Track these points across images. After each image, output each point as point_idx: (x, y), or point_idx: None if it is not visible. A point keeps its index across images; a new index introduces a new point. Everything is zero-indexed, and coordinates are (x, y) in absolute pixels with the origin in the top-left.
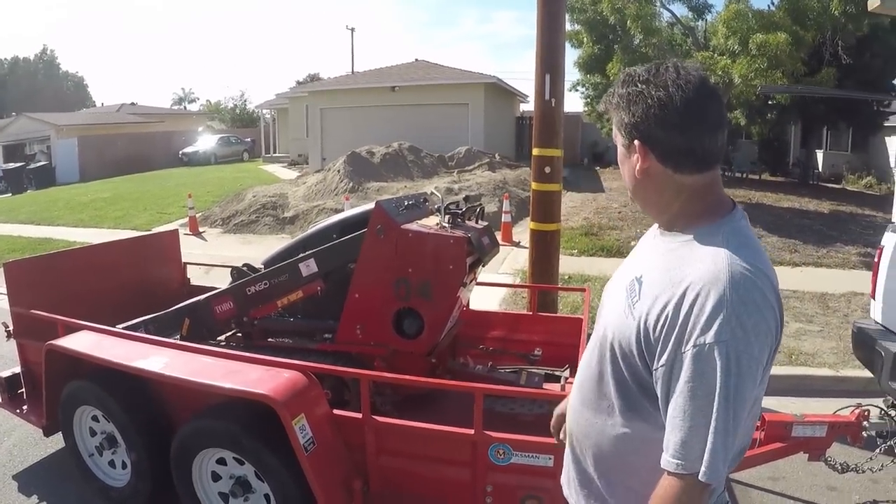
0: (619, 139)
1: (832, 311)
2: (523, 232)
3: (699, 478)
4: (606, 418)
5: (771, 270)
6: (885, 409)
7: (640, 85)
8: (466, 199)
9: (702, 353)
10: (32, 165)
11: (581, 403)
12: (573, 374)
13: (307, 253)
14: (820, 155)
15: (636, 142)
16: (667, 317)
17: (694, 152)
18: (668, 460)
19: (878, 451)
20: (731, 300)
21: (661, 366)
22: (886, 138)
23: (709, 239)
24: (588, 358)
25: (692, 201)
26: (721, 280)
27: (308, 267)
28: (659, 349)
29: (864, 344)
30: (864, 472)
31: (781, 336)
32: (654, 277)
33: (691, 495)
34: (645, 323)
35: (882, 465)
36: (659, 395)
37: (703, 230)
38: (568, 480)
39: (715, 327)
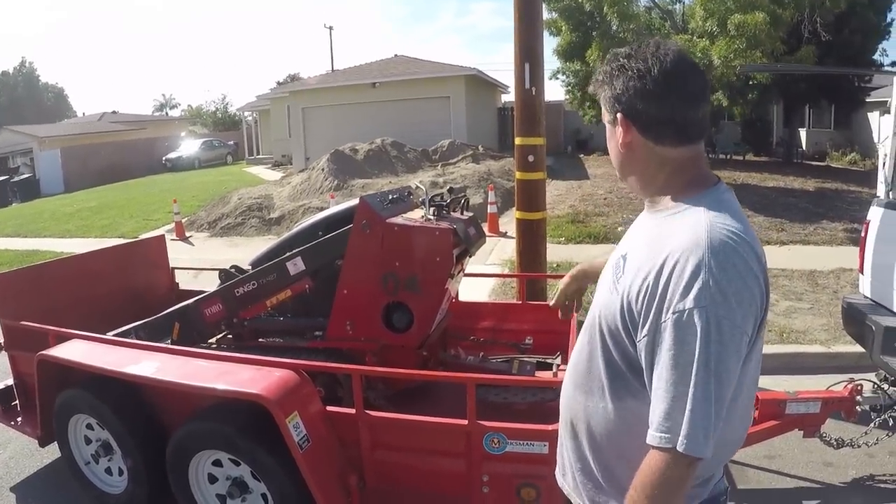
0: (605, 117)
1: (821, 287)
2: (510, 222)
3: (678, 448)
4: (598, 400)
5: (755, 239)
6: (878, 382)
7: (622, 59)
8: (451, 190)
9: (681, 319)
10: (16, 178)
11: (574, 387)
12: (565, 361)
13: (294, 252)
14: (803, 133)
15: (619, 115)
16: (647, 286)
17: (674, 122)
18: (651, 434)
19: (872, 425)
20: (710, 265)
21: (644, 336)
22: (869, 114)
23: (691, 210)
24: (580, 341)
25: (675, 175)
26: (700, 246)
27: (295, 265)
28: (641, 320)
29: (855, 319)
30: (859, 447)
31: (768, 308)
32: (637, 252)
33: (677, 470)
34: (628, 296)
35: (877, 440)
36: (644, 368)
37: (686, 202)
38: (563, 469)
39: (693, 292)
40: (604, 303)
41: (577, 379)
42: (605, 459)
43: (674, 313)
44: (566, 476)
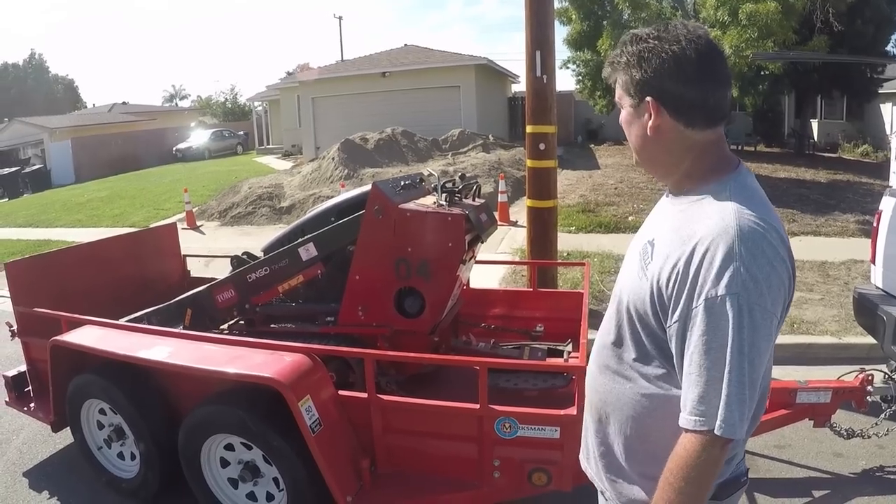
0: (625, 101)
1: (832, 279)
2: (520, 211)
3: (715, 432)
4: (625, 383)
5: (779, 224)
6: (889, 373)
7: (651, 41)
8: (462, 177)
9: (713, 305)
10: (27, 169)
11: (599, 370)
12: (576, 348)
13: (306, 237)
14: (815, 124)
15: (648, 98)
16: (678, 273)
17: (706, 105)
18: (685, 418)
19: (883, 416)
20: (741, 253)
21: (675, 322)
22: (881, 105)
23: (716, 195)
24: (606, 325)
25: (700, 159)
26: (729, 233)
27: (308, 251)
28: (671, 306)
29: (866, 309)
30: (869, 437)
31: (794, 290)
32: (664, 238)
33: (711, 452)
34: (657, 282)
35: (888, 431)
36: (674, 353)
37: (711, 188)
38: (586, 453)
39: (725, 280)
40: (631, 288)
41: (603, 362)
42: (628, 442)
43: (705, 300)
44: (589, 460)
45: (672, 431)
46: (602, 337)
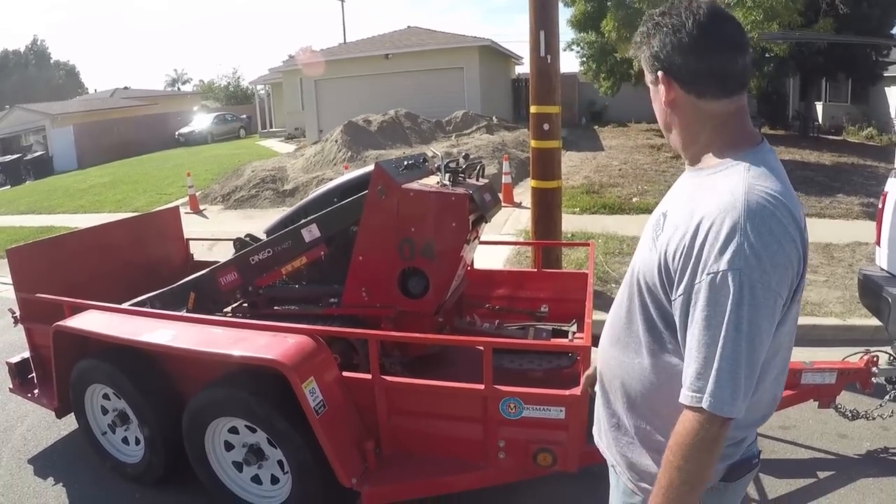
0: (648, 78)
1: (837, 260)
2: (524, 193)
3: (704, 407)
4: (634, 356)
5: (794, 201)
6: (894, 354)
7: (656, 17)
8: (466, 157)
9: (715, 280)
10: (29, 156)
11: (610, 343)
12: (580, 328)
13: (309, 218)
14: (819, 107)
15: (660, 73)
16: (684, 246)
17: (713, 74)
18: (684, 394)
19: (887, 397)
20: (745, 228)
21: (679, 295)
22: (886, 89)
23: (731, 170)
24: (619, 298)
25: (719, 132)
26: (737, 208)
27: (310, 232)
28: (676, 279)
29: (871, 291)
30: (874, 419)
31: (805, 271)
32: (676, 210)
33: (710, 430)
34: (665, 254)
35: (892, 412)
36: (678, 327)
37: (727, 162)
38: (598, 428)
39: (728, 255)
40: (642, 260)
41: (615, 334)
42: (638, 416)
43: (708, 274)
44: (601, 434)
45: (679, 406)
46: (614, 309)
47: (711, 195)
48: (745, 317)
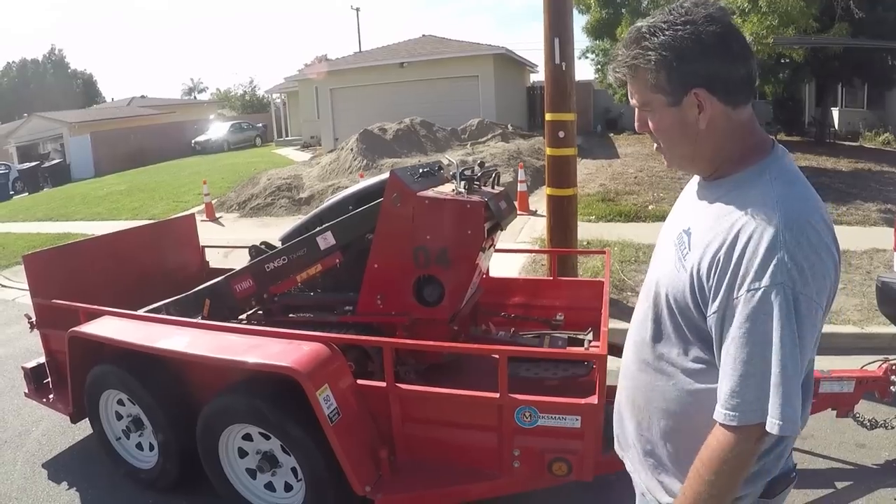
0: (657, 101)
1: (854, 268)
2: (539, 201)
3: (774, 431)
4: (668, 379)
5: (823, 208)
6: None
7: (680, 28)
8: (481, 164)
9: (757, 296)
10: (47, 164)
11: (639, 368)
12: (596, 336)
13: (324, 226)
14: (836, 112)
15: (695, 91)
16: (718, 262)
17: (750, 79)
18: (718, 411)
19: None
20: (786, 241)
21: (714, 313)
22: None
23: (756, 180)
24: (640, 320)
25: (741, 140)
26: (773, 221)
27: (326, 240)
28: (711, 296)
29: (890, 299)
30: (893, 427)
31: (839, 279)
32: (703, 227)
33: (744, 447)
34: (697, 272)
35: None
36: (714, 344)
37: (749, 172)
38: (623, 445)
39: (770, 270)
40: (669, 280)
41: (643, 358)
42: (673, 439)
43: (748, 291)
44: (628, 451)
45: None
46: (638, 332)
47: (742, 209)
48: (795, 331)
